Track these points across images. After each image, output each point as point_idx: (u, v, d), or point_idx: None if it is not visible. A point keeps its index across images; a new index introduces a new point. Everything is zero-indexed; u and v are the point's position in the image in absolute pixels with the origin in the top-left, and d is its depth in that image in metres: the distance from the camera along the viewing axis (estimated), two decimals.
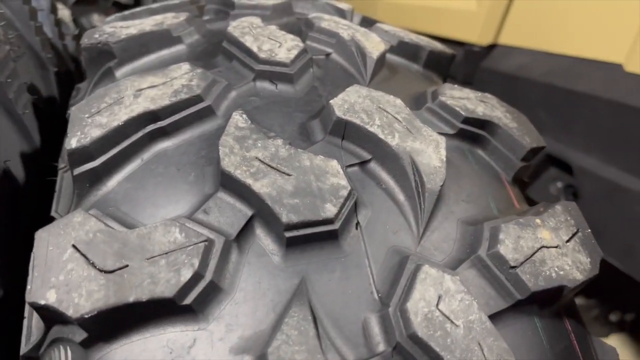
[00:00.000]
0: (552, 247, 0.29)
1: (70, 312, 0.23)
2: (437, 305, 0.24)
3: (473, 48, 1.26)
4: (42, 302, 0.23)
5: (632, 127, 0.81)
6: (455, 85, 0.38)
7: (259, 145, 0.28)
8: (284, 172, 0.27)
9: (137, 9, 0.48)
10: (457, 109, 0.35)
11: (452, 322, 0.24)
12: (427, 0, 1.53)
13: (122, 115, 0.30)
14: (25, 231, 0.35)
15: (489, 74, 1.19)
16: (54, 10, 0.55)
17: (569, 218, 0.32)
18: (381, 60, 0.37)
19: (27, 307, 0.28)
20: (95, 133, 0.29)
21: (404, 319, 0.24)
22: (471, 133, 0.35)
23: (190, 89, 0.31)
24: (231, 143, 0.28)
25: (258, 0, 0.43)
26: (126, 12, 0.47)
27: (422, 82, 0.41)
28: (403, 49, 0.42)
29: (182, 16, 0.40)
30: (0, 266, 0.31)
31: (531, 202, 1.07)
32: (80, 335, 0.24)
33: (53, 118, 0.44)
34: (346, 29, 0.39)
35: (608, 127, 0.87)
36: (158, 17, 0.41)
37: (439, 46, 0.46)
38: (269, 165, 0.27)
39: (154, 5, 0.49)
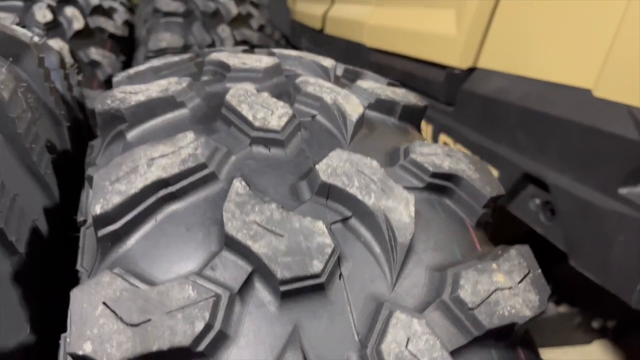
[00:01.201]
0: (506, 289, 0.35)
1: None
2: (407, 346, 0.30)
3: (454, 71, 1.31)
4: (80, 353, 0.28)
5: (601, 148, 0.86)
6: (425, 142, 0.44)
7: (256, 209, 0.33)
8: (277, 234, 0.32)
9: (142, 68, 0.53)
10: (426, 165, 0.40)
11: (419, 359, 0.29)
12: (410, 24, 1.58)
13: (138, 183, 0.35)
14: (52, 281, 0.40)
15: (469, 96, 1.24)
16: (62, 65, 0.60)
17: (522, 261, 0.37)
18: (360, 121, 0.43)
19: (62, 354, 0.33)
20: (116, 200, 0.34)
21: (379, 359, 0.29)
22: (438, 185, 0.41)
23: (195, 158, 0.37)
24: (233, 209, 0.33)
25: (251, 64, 0.48)
26: (131, 72, 0.53)
27: (397, 136, 0.46)
28: (380, 105, 0.48)
29: (185, 82, 0.46)
30: (33, 315, 0.36)
31: (512, 217, 1.12)
32: None
33: (68, 171, 0.49)
34: (329, 93, 0.44)
35: (580, 148, 0.91)
36: (163, 83, 0.46)
37: (412, 99, 0.51)
38: (265, 228, 0.32)
39: (158, 63, 0.54)
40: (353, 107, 0.43)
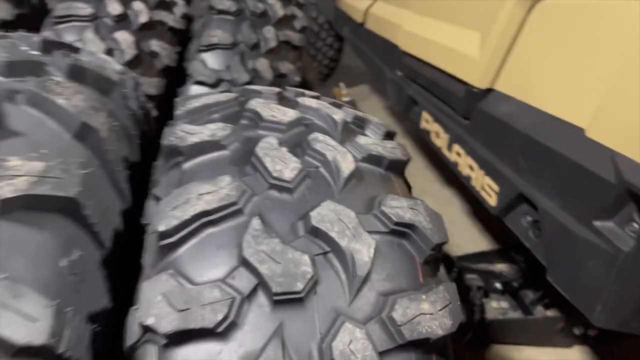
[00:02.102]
0: (428, 314, 0.51)
1: (160, 330, 0.46)
2: (349, 345, 0.46)
3: (473, 89, 1.43)
4: (146, 323, 0.46)
5: (584, 184, 0.98)
6: (395, 196, 0.59)
7: (265, 242, 0.50)
8: (276, 261, 0.49)
9: (198, 104, 0.70)
10: (391, 215, 0.56)
11: (355, 355, 0.46)
12: (439, 37, 1.68)
13: (189, 211, 0.53)
14: (124, 266, 0.59)
15: (483, 114, 1.37)
16: (136, 87, 0.77)
17: (446, 295, 0.53)
18: (351, 175, 0.59)
19: (130, 321, 0.51)
20: (173, 222, 0.52)
21: (329, 351, 0.46)
22: (399, 231, 0.57)
23: (229, 197, 0.54)
24: (249, 239, 0.50)
25: (278, 117, 0.64)
26: (190, 107, 0.69)
27: (379, 186, 0.62)
28: (370, 159, 0.64)
29: (228, 129, 0.62)
30: (111, 289, 0.54)
31: (506, 230, 1.27)
32: (162, 341, 0.47)
33: (137, 179, 0.67)
34: (331, 150, 0.60)
35: (566, 180, 1.03)
36: (212, 127, 0.63)
37: (398, 154, 0.67)
38: (269, 256, 0.49)
39: (210, 101, 0.70)
40: (347, 164, 0.59)
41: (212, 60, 1.43)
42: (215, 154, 0.61)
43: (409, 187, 0.72)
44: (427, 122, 1.79)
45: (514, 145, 1.23)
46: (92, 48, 1.24)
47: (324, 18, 3.09)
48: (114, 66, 0.74)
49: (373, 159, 0.64)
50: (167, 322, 0.46)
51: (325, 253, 0.52)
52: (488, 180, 1.39)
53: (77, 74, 0.64)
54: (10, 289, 0.41)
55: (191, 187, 0.55)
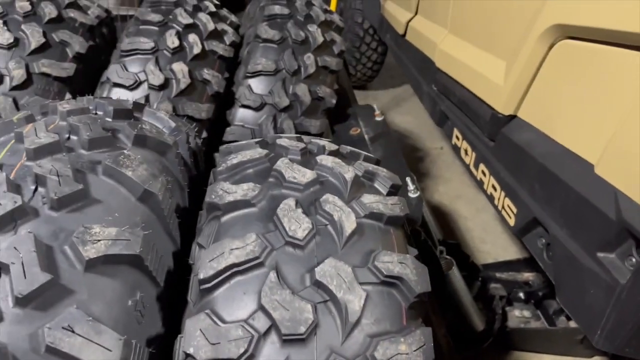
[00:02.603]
0: (404, 354, 0.65)
1: (198, 358, 0.62)
2: None
3: (497, 114, 1.52)
4: (188, 352, 0.63)
5: (589, 218, 1.08)
6: (389, 252, 0.73)
7: (278, 292, 0.66)
8: (286, 309, 0.65)
9: (235, 161, 0.85)
10: (383, 269, 0.70)
11: None
12: (470, 60, 1.77)
13: (222, 263, 0.69)
14: (173, 300, 0.76)
15: (506, 139, 1.46)
16: (188, 140, 0.94)
17: (422, 338, 0.67)
18: (352, 233, 0.73)
19: (177, 348, 0.68)
20: (210, 272, 0.68)
21: None
22: (388, 282, 0.71)
23: (254, 252, 0.69)
24: (266, 290, 0.66)
25: (298, 178, 0.79)
26: (229, 164, 0.85)
27: (377, 240, 0.76)
28: (372, 215, 0.78)
29: (257, 189, 0.78)
30: (163, 318, 0.72)
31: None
32: None
33: (186, 224, 0.84)
34: (338, 211, 0.75)
35: (575, 212, 1.12)
36: (245, 187, 0.78)
37: (397, 210, 0.80)
38: (281, 304, 0.65)
39: (245, 158, 0.86)
40: (350, 224, 0.74)
41: (256, 85, 1.59)
42: (246, 211, 0.77)
43: (407, 237, 0.86)
44: (458, 139, 1.89)
45: (531, 172, 1.32)
46: (152, 79, 1.43)
47: (369, 23, 3.18)
48: (170, 124, 0.91)
49: (374, 215, 0.78)
50: (203, 352, 0.62)
51: (325, 302, 0.67)
52: (508, 202, 1.50)
53: (142, 141, 0.81)
54: (93, 328, 0.58)
55: (225, 243, 0.71)
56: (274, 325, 0.64)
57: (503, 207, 1.54)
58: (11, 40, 1.41)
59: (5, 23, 1.44)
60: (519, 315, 1.97)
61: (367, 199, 0.80)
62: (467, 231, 2.49)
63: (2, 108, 1.35)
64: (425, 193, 2.73)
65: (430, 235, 1.68)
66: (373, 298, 0.69)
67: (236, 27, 1.81)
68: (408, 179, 1.49)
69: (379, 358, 0.63)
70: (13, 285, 0.57)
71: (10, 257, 0.58)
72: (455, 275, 1.63)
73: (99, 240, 0.63)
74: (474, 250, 2.38)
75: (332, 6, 2.82)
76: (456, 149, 1.90)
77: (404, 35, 2.55)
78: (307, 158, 0.87)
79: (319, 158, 0.87)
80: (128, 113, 0.86)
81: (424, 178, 2.87)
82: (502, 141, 1.53)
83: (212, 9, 1.73)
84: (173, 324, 0.73)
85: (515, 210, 1.46)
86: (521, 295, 2.03)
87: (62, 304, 0.59)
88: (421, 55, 2.30)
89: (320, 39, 1.69)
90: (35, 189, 0.66)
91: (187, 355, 0.63)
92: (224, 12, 1.82)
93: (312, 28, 1.71)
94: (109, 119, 0.84)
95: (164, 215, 0.76)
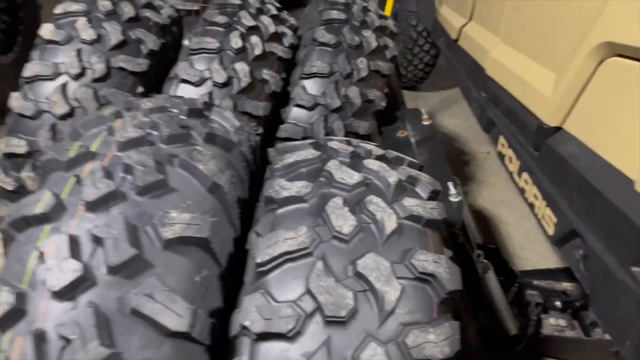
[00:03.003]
0: (432, 342, 0.73)
1: (253, 330, 0.73)
2: (372, 357, 0.70)
3: (543, 124, 1.56)
4: (244, 324, 0.74)
5: (626, 233, 1.12)
6: (425, 251, 0.81)
7: (324, 280, 0.75)
8: (330, 294, 0.74)
9: (291, 160, 0.95)
10: (418, 267, 0.79)
11: None
12: (520, 70, 1.80)
13: (277, 250, 0.79)
14: (232, 280, 0.87)
15: (551, 150, 1.50)
16: (250, 138, 1.05)
17: (449, 330, 0.75)
18: (392, 232, 0.82)
19: (234, 321, 0.79)
20: (266, 257, 0.78)
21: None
22: (422, 279, 0.79)
23: (304, 243, 0.79)
24: (314, 277, 0.75)
25: (346, 180, 0.88)
26: (285, 162, 0.95)
27: (415, 241, 0.84)
28: (411, 218, 0.86)
29: (309, 187, 0.88)
30: (224, 295, 0.83)
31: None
32: (253, 337, 0.74)
33: (245, 213, 0.95)
34: (380, 211, 0.83)
35: (612, 226, 1.16)
36: (299, 185, 0.88)
37: (435, 214, 0.88)
38: (325, 290, 0.74)
39: (300, 158, 0.95)
40: (391, 223, 0.82)
41: (310, 86, 1.69)
42: (298, 206, 0.87)
43: (443, 239, 0.94)
44: (503, 146, 1.93)
45: (572, 184, 1.36)
46: (216, 77, 1.55)
47: (423, 26, 3.23)
48: (234, 123, 1.02)
49: (413, 218, 0.86)
50: (257, 325, 0.73)
51: (364, 291, 0.76)
52: (548, 212, 1.54)
53: (212, 138, 0.92)
54: (169, 297, 0.70)
55: (279, 233, 0.81)
56: (318, 308, 0.74)
57: (543, 217, 1.58)
58: (94, 37, 1.56)
59: (89, 20, 1.59)
60: (554, 324, 2.00)
61: (408, 202, 0.88)
62: (508, 237, 2.51)
63: (83, 98, 1.50)
64: (468, 197, 2.77)
65: (468, 238, 1.73)
66: (408, 291, 0.77)
67: (295, 30, 1.91)
68: (450, 184, 1.55)
69: (409, 344, 0.72)
70: (107, 256, 0.69)
71: (105, 232, 0.70)
72: (491, 278, 1.68)
73: (175, 224, 0.74)
74: (514, 256, 2.41)
75: (388, 11, 2.89)
76: (501, 156, 1.94)
77: (457, 40, 2.58)
78: (355, 161, 0.96)
79: (366, 162, 0.95)
80: (200, 112, 0.98)
81: (468, 182, 2.90)
82: (546, 152, 1.57)
83: (274, 11, 1.84)
84: (230, 301, 0.84)
85: (554, 220, 1.50)
86: (558, 304, 2.05)
87: (144, 275, 0.71)
88: (472, 61, 2.34)
89: (374, 44, 1.77)
90: (124, 177, 0.78)
91: (243, 327, 0.74)
92: (285, 14, 1.92)
93: (367, 33, 1.79)
94: (184, 117, 0.96)
95: (228, 205, 0.87)
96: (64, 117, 1.49)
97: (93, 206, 0.74)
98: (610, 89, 1.26)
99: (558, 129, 1.52)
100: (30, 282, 0.69)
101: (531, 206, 1.68)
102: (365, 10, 1.90)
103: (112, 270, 0.69)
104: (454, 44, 2.59)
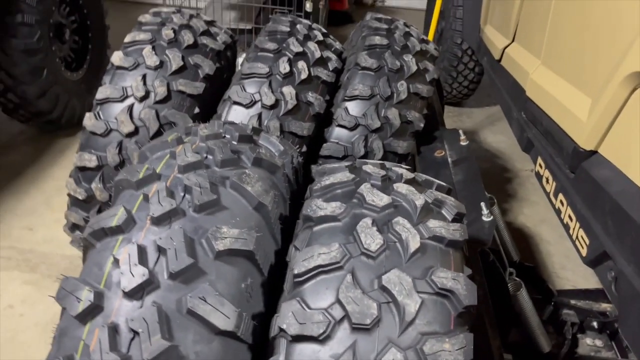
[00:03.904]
0: (447, 351, 0.82)
1: (289, 332, 0.84)
2: None
3: (579, 148, 1.61)
4: (282, 327, 0.85)
5: None
6: (445, 269, 0.90)
7: (352, 291, 0.86)
8: (357, 304, 0.85)
9: (328, 182, 1.07)
10: (438, 283, 0.88)
11: None
12: (558, 93, 1.85)
13: (312, 263, 0.90)
14: (273, 288, 0.99)
15: (585, 173, 1.55)
16: (292, 161, 1.17)
17: (464, 341, 0.83)
18: (415, 251, 0.91)
19: (273, 324, 0.90)
20: (302, 269, 0.90)
21: None
22: (441, 294, 0.88)
23: (336, 257, 0.90)
24: (343, 288, 0.86)
25: (376, 202, 0.99)
26: (324, 183, 1.06)
27: (437, 259, 0.93)
28: (434, 238, 0.95)
29: (343, 207, 0.98)
30: (265, 301, 0.95)
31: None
32: (289, 338, 0.85)
33: (286, 232, 1.07)
34: (405, 232, 0.93)
35: None
36: (334, 205, 0.99)
37: (457, 236, 0.97)
38: (353, 300, 0.85)
39: (336, 180, 1.07)
40: (414, 243, 0.92)
41: (352, 108, 1.80)
42: (332, 224, 0.98)
43: (465, 258, 1.02)
44: (541, 167, 1.98)
45: (605, 207, 1.41)
46: (265, 100, 1.68)
47: (467, 44, 3.28)
48: (279, 147, 1.14)
49: (436, 238, 0.95)
50: (292, 328, 0.84)
51: (387, 302, 0.86)
52: (582, 233, 1.59)
53: (258, 162, 1.05)
54: (219, 300, 0.82)
55: (315, 248, 0.92)
56: (346, 316, 0.85)
57: (577, 238, 1.63)
58: (157, 63, 1.73)
59: (153, 48, 1.77)
60: (590, 344, 2.01)
61: (433, 223, 0.97)
62: (548, 256, 2.53)
63: (146, 118, 1.67)
64: (509, 214, 2.80)
65: (501, 257, 1.79)
66: (427, 304, 0.87)
67: (339, 54, 2.03)
68: (483, 204, 1.62)
69: (426, 351, 0.81)
70: (168, 264, 0.83)
71: (167, 244, 0.84)
72: (523, 296, 1.73)
73: (225, 238, 0.87)
74: (553, 275, 2.42)
75: (430, 35, 2.97)
76: (539, 177, 1.99)
77: (500, 60, 2.63)
78: (386, 184, 1.07)
79: (396, 185, 1.06)
80: (249, 138, 1.11)
81: (509, 199, 2.93)
82: (581, 174, 1.62)
83: (320, 37, 1.97)
84: (271, 306, 0.96)
85: (587, 241, 1.55)
86: (595, 324, 2.06)
87: (198, 281, 0.84)
88: (514, 81, 2.39)
89: (414, 68, 1.86)
90: (184, 196, 0.91)
91: (281, 329, 0.86)
92: (330, 39, 2.05)
93: (408, 57, 1.89)
94: (235, 142, 1.09)
95: (271, 222, 0.99)
96: (129, 135, 1.67)
97: (157, 221, 0.88)
98: None
99: (593, 152, 1.57)
100: (106, 283, 0.83)
101: (566, 227, 1.73)
102: (407, 35, 2.00)
103: (172, 276, 0.82)
104: (497, 64, 2.64)
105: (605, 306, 2.17)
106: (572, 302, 2.10)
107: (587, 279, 2.37)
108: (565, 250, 2.53)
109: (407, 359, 0.81)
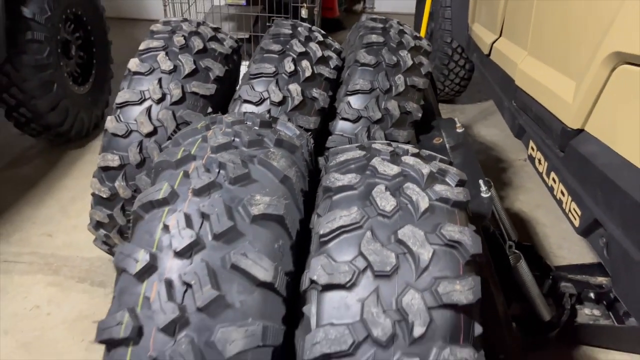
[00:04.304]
0: (458, 291, 0.94)
1: (319, 282, 0.96)
2: (411, 300, 0.92)
3: (567, 127, 1.74)
4: (312, 278, 0.97)
5: (637, 214, 1.28)
6: (451, 224, 1.02)
7: (372, 245, 0.98)
8: (377, 255, 0.97)
9: (342, 159, 1.19)
10: (446, 235, 1.00)
11: (413, 306, 0.92)
12: (545, 79, 2.00)
13: (335, 225, 1.02)
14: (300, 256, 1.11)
15: (573, 151, 1.68)
16: (307, 143, 1.30)
17: (472, 283, 0.96)
18: (425, 210, 1.04)
19: (304, 279, 1.02)
20: (326, 230, 1.02)
21: (400, 302, 0.93)
22: (450, 245, 1.01)
23: (356, 218, 1.02)
24: (364, 243, 0.98)
25: (388, 172, 1.11)
26: (338, 159, 1.19)
27: (445, 217, 1.06)
28: (441, 200, 1.07)
29: (358, 178, 1.11)
30: (294, 259, 1.07)
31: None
32: (319, 288, 0.97)
33: (307, 200, 1.19)
34: (416, 195, 1.06)
35: (629, 214, 1.33)
36: (350, 176, 1.12)
37: (461, 197, 1.09)
38: (374, 252, 0.97)
39: (349, 157, 1.19)
40: (424, 204, 1.04)
41: (354, 101, 1.93)
42: (350, 192, 1.10)
43: (468, 216, 1.15)
44: (533, 150, 2.12)
45: (594, 179, 1.54)
46: (273, 97, 1.81)
47: (457, 43, 3.44)
48: (295, 132, 1.27)
49: (442, 199, 1.08)
50: (323, 279, 0.96)
51: (404, 253, 0.98)
52: (574, 205, 1.72)
53: (280, 143, 1.18)
54: (258, 256, 0.94)
55: (336, 212, 1.04)
56: (369, 265, 0.97)
57: (569, 211, 1.76)
58: (171, 67, 1.86)
59: (167, 54, 1.90)
60: (588, 313, 2.13)
61: (439, 187, 1.10)
62: (545, 237, 2.66)
63: (164, 119, 1.80)
64: (506, 201, 2.93)
65: (501, 232, 1.91)
66: (438, 254, 0.99)
67: (339, 53, 2.17)
68: (481, 181, 1.75)
69: (440, 292, 0.94)
70: (212, 227, 0.95)
71: (209, 210, 0.96)
72: (523, 267, 1.85)
73: (259, 204, 0.99)
74: (551, 255, 2.55)
75: (422, 32, 3.12)
76: (531, 159, 2.13)
77: (489, 55, 2.78)
78: (394, 158, 1.20)
79: (403, 158, 1.18)
80: (269, 124, 1.24)
81: (506, 187, 3.06)
82: (570, 152, 1.75)
83: (320, 38, 2.11)
84: (298, 267, 1.08)
85: (579, 213, 1.68)
86: (592, 295, 2.18)
87: (239, 241, 0.96)
88: (503, 73, 2.53)
89: (410, 62, 2.00)
90: (219, 172, 1.04)
91: (312, 282, 0.98)
92: (329, 40, 2.19)
93: (403, 53, 2.03)
94: (257, 128, 1.22)
95: (295, 193, 1.12)
96: (149, 135, 1.79)
97: (198, 192, 1.00)
98: (622, 92, 1.45)
99: (580, 131, 1.70)
100: (158, 246, 0.95)
101: (559, 202, 1.86)
102: (402, 32, 2.14)
103: (216, 237, 0.94)
104: (486, 59, 2.79)
105: (601, 279, 2.29)
106: (570, 275, 2.22)
107: (583, 256, 2.49)
108: (561, 232, 2.66)
109: (424, 298, 0.93)
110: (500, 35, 2.65)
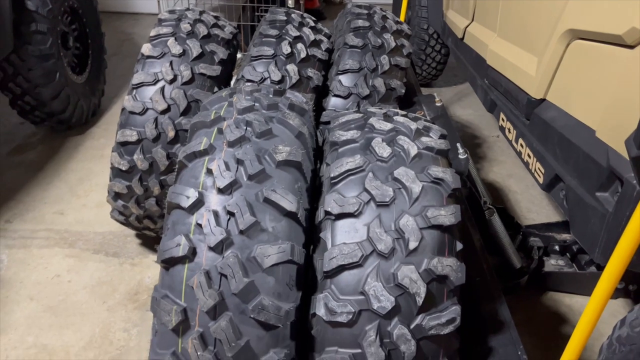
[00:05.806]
0: (443, 215, 1.20)
1: (333, 212, 1.20)
2: (406, 223, 1.17)
3: (531, 98, 2.01)
4: (327, 210, 1.21)
5: (591, 169, 1.50)
6: (436, 166, 1.28)
7: (374, 183, 1.22)
8: (378, 190, 1.21)
9: (344, 119, 1.43)
10: (432, 174, 1.25)
11: (408, 227, 1.17)
12: (511, 57, 2.26)
13: (342, 169, 1.26)
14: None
15: (538, 117, 1.95)
16: (314, 110, 1.53)
17: (454, 209, 1.21)
18: (415, 156, 1.28)
19: (319, 211, 1.26)
20: (336, 173, 1.26)
21: (397, 225, 1.17)
22: (435, 181, 1.26)
23: (359, 164, 1.27)
24: (367, 181, 1.23)
25: (382, 128, 1.36)
26: (341, 120, 1.43)
27: (430, 161, 1.30)
28: (427, 148, 1.33)
29: (359, 133, 1.35)
30: (309, 198, 1.30)
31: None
32: (333, 218, 1.21)
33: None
34: (406, 144, 1.30)
35: (583, 166, 1.58)
36: (351, 132, 1.36)
37: (442, 146, 1.34)
38: (376, 187, 1.22)
39: (352, 117, 1.44)
40: (413, 151, 1.29)
41: (345, 80, 2.17)
42: (353, 145, 1.34)
43: (449, 163, 1.40)
44: (503, 121, 2.39)
45: (554, 140, 1.80)
46: (273, 76, 2.04)
47: (433, 29, 3.70)
48: (301, 99, 1.51)
49: (428, 148, 1.33)
50: (335, 210, 1.20)
51: (399, 188, 1.23)
52: (538, 165, 1.99)
53: (292, 107, 1.41)
54: (284, 192, 1.18)
55: (342, 160, 1.28)
56: (372, 198, 1.21)
57: (535, 170, 2.03)
58: (181, 51, 2.08)
59: (176, 39, 2.11)
60: (554, 264, 2.42)
61: (424, 139, 1.35)
62: (516, 203, 2.95)
63: (176, 97, 2.01)
64: (480, 172, 3.21)
65: (476, 189, 2.19)
66: (426, 188, 1.24)
67: (329, 37, 2.40)
68: (458, 145, 2.01)
69: (429, 216, 1.18)
70: (246, 170, 1.18)
71: (243, 156, 1.19)
72: (496, 221, 2.13)
73: (282, 152, 1.23)
74: (521, 217, 2.84)
75: (402, 17, 3.37)
76: (502, 129, 2.40)
77: (462, 38, 3.05)
78: (387, 118, 1.44)
79: (395, 117, 1.43)
80: (280, 92, 1.47)
81: (481, 160, 3.35)
82: (534, 119, 2.02)
83: (312, 23, 2.34)
84: (312, 204, 1.32)
85: (543, 170, 1.96)
86: (557, 248, 2.47)
87: (267, 181, 1.20)
88: (476, 54, 2.80)
89: (393, 44, 2.25)
90: (246, 128, 1.27)
91: (326, 213, 1.22)
92: (320, 25, 2.43)
93: (387, 36, 2.27)
94: (271, 96, 1.45)
95: (308, 147, 1.36)
96: (163, 112, 2.01)
97: (232, 144, 1.23)
98: (576, 64, 1.71)
99: (542, 100, 1.97)
100: (203, 186, 1.18)
101: (526, 164, 2.13)
102: (384, 17, 2.39)
103: (250, 177, 1.18)
104: (460, 42, 3.06)
105: (565, 235, 2.58)
106: (538, 232, 2.50)
107: (550, 218, 2.79)
108: (531, 197, 2.94)
109: (416, 221, 1.18)
110: (473, 20, 2.92)
